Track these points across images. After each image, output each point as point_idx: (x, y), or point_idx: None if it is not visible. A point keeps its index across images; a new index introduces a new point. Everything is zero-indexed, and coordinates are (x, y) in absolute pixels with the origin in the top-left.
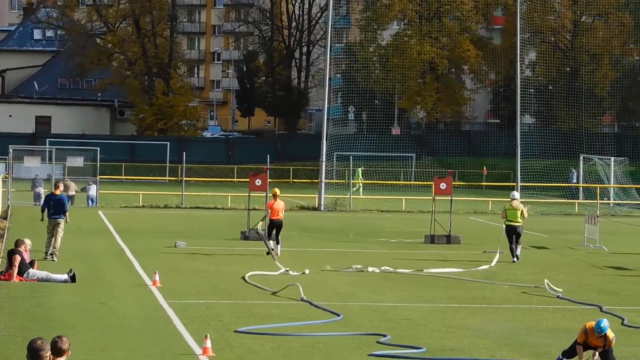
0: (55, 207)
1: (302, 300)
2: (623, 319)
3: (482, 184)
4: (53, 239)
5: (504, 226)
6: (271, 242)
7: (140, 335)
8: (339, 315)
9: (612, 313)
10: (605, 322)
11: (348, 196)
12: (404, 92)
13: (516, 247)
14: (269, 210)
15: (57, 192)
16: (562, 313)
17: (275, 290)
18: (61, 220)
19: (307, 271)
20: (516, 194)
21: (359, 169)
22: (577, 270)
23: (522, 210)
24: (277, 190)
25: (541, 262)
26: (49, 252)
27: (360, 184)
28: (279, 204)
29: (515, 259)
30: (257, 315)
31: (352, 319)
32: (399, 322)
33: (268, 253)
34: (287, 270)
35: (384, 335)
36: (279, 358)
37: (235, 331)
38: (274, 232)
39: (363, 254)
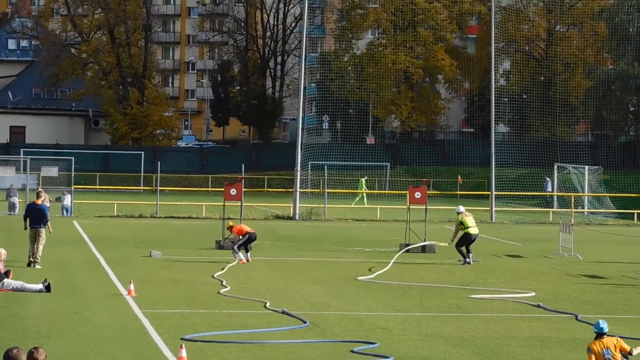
0: (36, 216)
1: (283, 312)
2: None
3: (457, 192)
4: (35, 247)
5: (464, 233)
6: (241, 253)
7: (115, 345)
8: (305, 322)
9: (587, 322)
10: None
11: (323, 205)
12: (379, 101)
13: (468, 254)
14: (235, 234)
15: (38, 201)
16: (537, 322)
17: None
18: (42, 229)
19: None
20: (461, 208)
21: (363, 179)
22: (551, 278)
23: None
24: (231, 222)
25: (515, 270)
26: (32, 260)
27: (364, 194)
28: (243, 225)
29: (469, 261)
30: (233, 324)
31: (327, 328)
32: (374, 330)
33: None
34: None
35: (373, 343)
36: None
37: (182, 339)
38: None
39: (338, 263)
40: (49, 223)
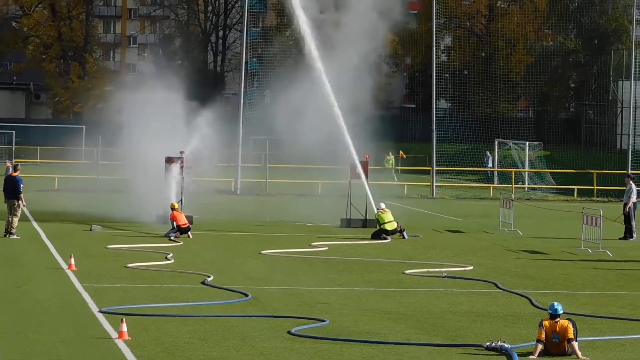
0: (9, 188)
1: (203, 283)
2: (531, 300)
3: (399, 168)
4: (10, 219)
5: (380, 228)
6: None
7: (55, 319)
8: (247, 295)
9: (511, 291)
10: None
11: (264, 180)
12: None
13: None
14: (174, 221)
15: (14, 173)
16: (476, 296)
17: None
18: (15, 200)
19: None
20: (382, 205)
21: (391, 158)
22: (492, 254)
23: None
24: (176, 204)
25: (456, 245)
26: (8, 231)
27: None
28: (181, 214)
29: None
30: (174, 298)
31: (268, 302)
32: (315, 305)
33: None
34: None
35: (323, 320)
36: (195, 341)
37: (100, 311)
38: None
39: (279, 238)
40: (21, 195)
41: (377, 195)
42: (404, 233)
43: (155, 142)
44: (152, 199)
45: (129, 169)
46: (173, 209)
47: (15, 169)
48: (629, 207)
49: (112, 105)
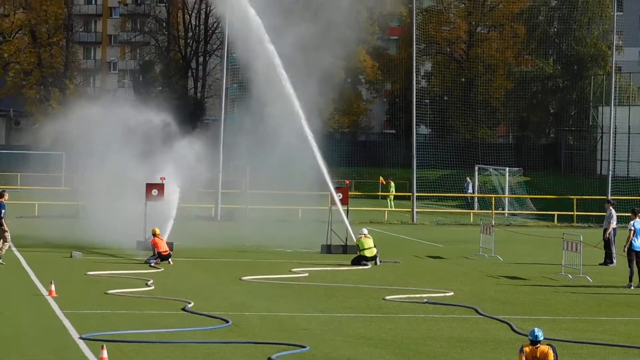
0: None
1: (183, 309)
2: (511, 325)
3: (379, 193)
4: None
5: (360, 254)
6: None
7: (36, 345)
8: (227, 321)
9: (492, 316)
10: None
11: (245, 206)
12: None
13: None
14: (154, 248)
15: (1, 199)
16: (457, 322)
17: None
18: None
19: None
20: (364, 230)
21: (392, 182)
22: (472, 279)
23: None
24: (157, 230)
25: (436, 271)
26: None
27: (391, 196)
28: (162, 241)
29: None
30: (155, 325)
31: (248, 328)
32: (296, 331)
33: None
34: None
35: (303, 347)
36: None
37: (81, 337)
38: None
39: (259, 264)
40: (3, 221)
41: (358, 221)
42: (377, 258)
43: (134, 169)
44: (132, 225)
45: (101, 195)
46: (154, 235)
47: (1, 195)
48: (609, 233)
49: (91, 131)
